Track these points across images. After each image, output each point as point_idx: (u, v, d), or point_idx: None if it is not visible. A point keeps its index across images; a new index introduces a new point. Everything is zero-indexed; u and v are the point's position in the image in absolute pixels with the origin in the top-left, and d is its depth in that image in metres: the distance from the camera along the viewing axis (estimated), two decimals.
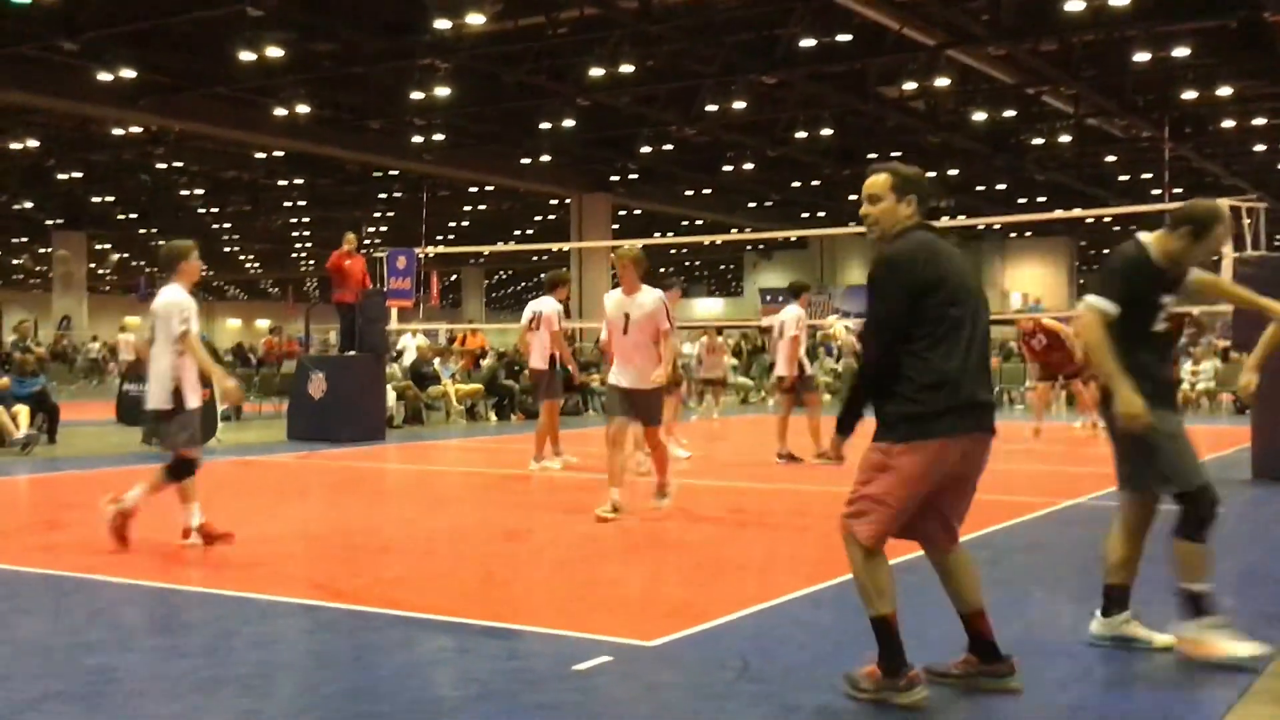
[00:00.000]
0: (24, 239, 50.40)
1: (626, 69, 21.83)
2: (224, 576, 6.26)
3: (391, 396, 17.09)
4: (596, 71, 22.18)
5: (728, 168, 33.97)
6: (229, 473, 12.31)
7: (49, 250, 46.13)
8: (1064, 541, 7.88)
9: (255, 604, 5.61)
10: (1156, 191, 32.34)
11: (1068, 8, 18.61)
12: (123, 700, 4.15)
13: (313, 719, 4.01)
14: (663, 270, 60.96)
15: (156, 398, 6.98)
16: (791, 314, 12.52)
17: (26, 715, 3.98)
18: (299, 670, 4.73)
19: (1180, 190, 30.14)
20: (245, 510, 8.76)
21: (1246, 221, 10.88)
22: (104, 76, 22.30)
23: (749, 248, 51.76)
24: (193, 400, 7.01)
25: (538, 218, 45.78)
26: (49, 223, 43.37)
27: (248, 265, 62.60)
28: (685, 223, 45.15)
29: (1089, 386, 15.89)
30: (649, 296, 8.37)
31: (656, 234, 42.78)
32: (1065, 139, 29.73)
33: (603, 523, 8.04)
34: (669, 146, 31.33)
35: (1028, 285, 46.54)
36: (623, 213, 41.50)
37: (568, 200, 37.83)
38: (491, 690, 4.23)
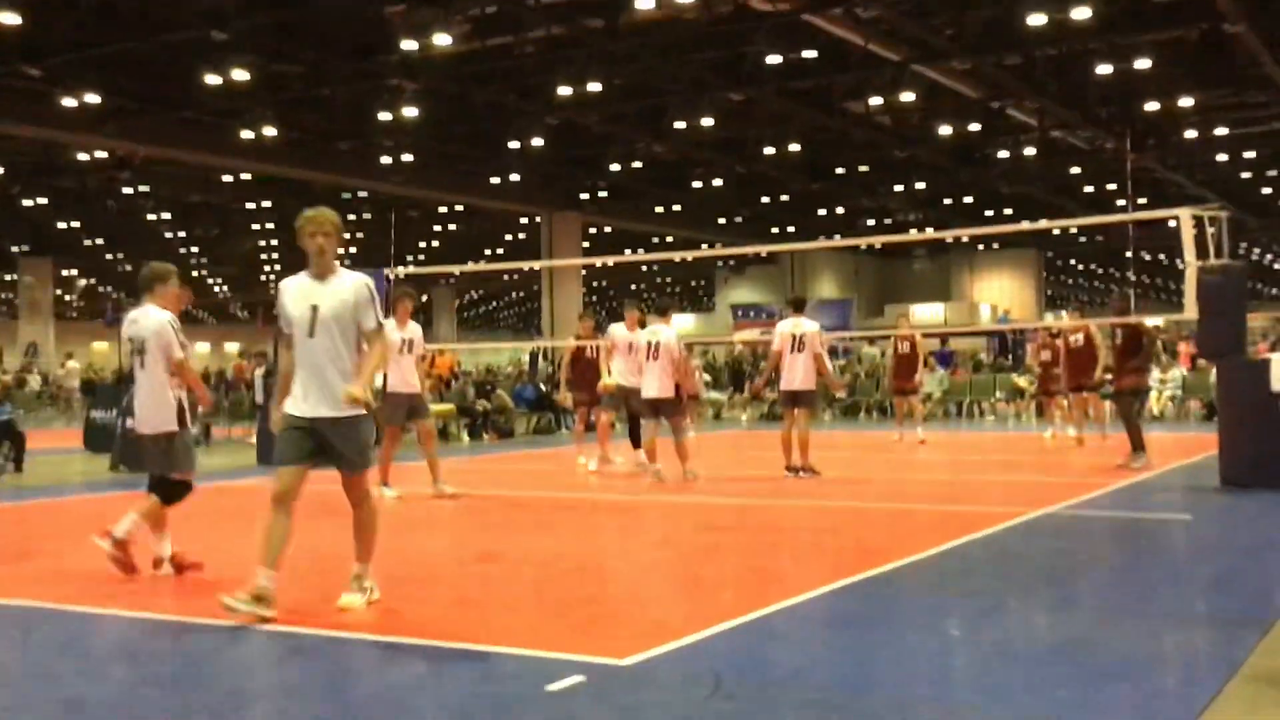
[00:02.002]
0: None
1: (594, 87, 21.90)
2: (194, 604, 6.19)
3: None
4: (565, 90, 22.23)
5: (697, 184, 34.08)
6: (199, 499, 12.18)
7: (14, 278, 45.73)
8: (1035, 551, 7.91)
9: (226, 631, 5.56)
10: (1121, 202, 32.66)
11: (1030, 22, 18.80)
12: None
13: None
14: (634, 287, 61.06)
15: (162, 420, 6.91)
16: (813, 328, 12.50)
17: None
18: (270, 698, 4.69)
19: (1144, 200, 30.48)
20: (216, 537, 8.68)
21: (1210, 231, 10.99)
22: (69, 101, 22.19)
23: (720, 264, 51.89)
24: (191, 421, 7.06)
25: (508, 236, 45.76)
26: (15, 249, 43.00)
27: (216, 289, 62.24)
28: (656, 239, 45.25)
29: (1091, 398, 15.99)
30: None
31: (627, 250, 42.83)
32: (1030, 152, 30.00)
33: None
34: (638, 164, 31.41)
35: (996, 297, 46.92)
36: (593, 230, 41.54)
37: (538, 219, 37.84)
38: (465, 714, 4.20)
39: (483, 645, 5.08)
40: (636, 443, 13.14)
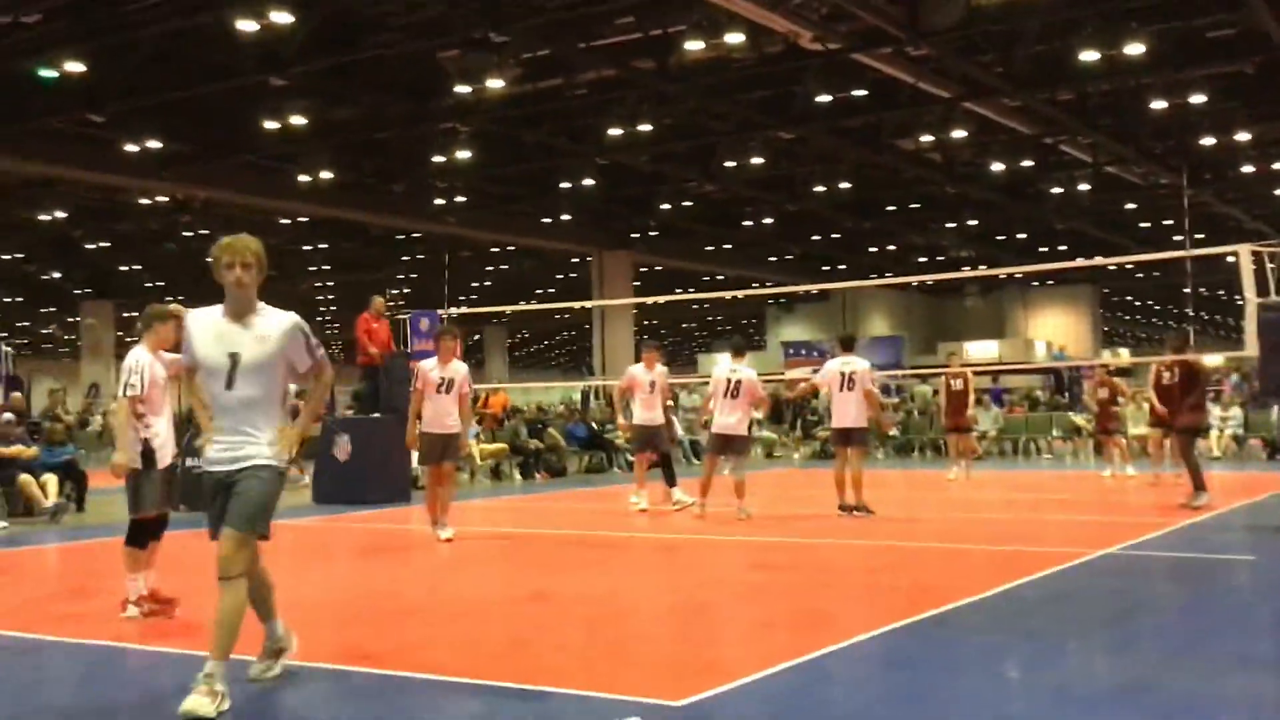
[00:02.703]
0: (52, 308, 50.99)
1: (645, 127, 22.07)
2: (251, 644, 6.24)
3: (416, 458, 17.13)
4: (615, 131, 22.41)
5: (748, 223, 34.12)
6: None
7: (77, 319, 46.64)
8: (1094, 592, 7.78)
9: (282, 670, 5.59)
10: (1178, 238, 32.26)
11: (1082, 58, 18.71)
12: None
13: None
14: (684, 325, 61.09)
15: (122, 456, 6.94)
16: (863, 366, 12.51)
17: None
18: None
19: (1201, 236, 30.07)
20: (273, 575, 8.76)
21: (1270, 266, 10.83)
22: (130, 147, 22.69)
23: (771, 301, 51.82)
24: (163, 459, 6.99)
25: (559, 276, 46.04)
26: (76, 292, 43.89)
27: None
28: (706, 278, 45.32)
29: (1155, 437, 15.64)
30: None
31: (678, 290, 42.86)
32: (1084, 187, 29.75)
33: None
34: (689, 203, 31.52)
35: (1051, 334, 46.38)
36: (644, 269, 41.69)
37: (589, 258, 38.05)
38: None
39: (536, 685, 5.08)
40: (671, 480, 13.33)
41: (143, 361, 6.94)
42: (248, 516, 4.88)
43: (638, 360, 14.44)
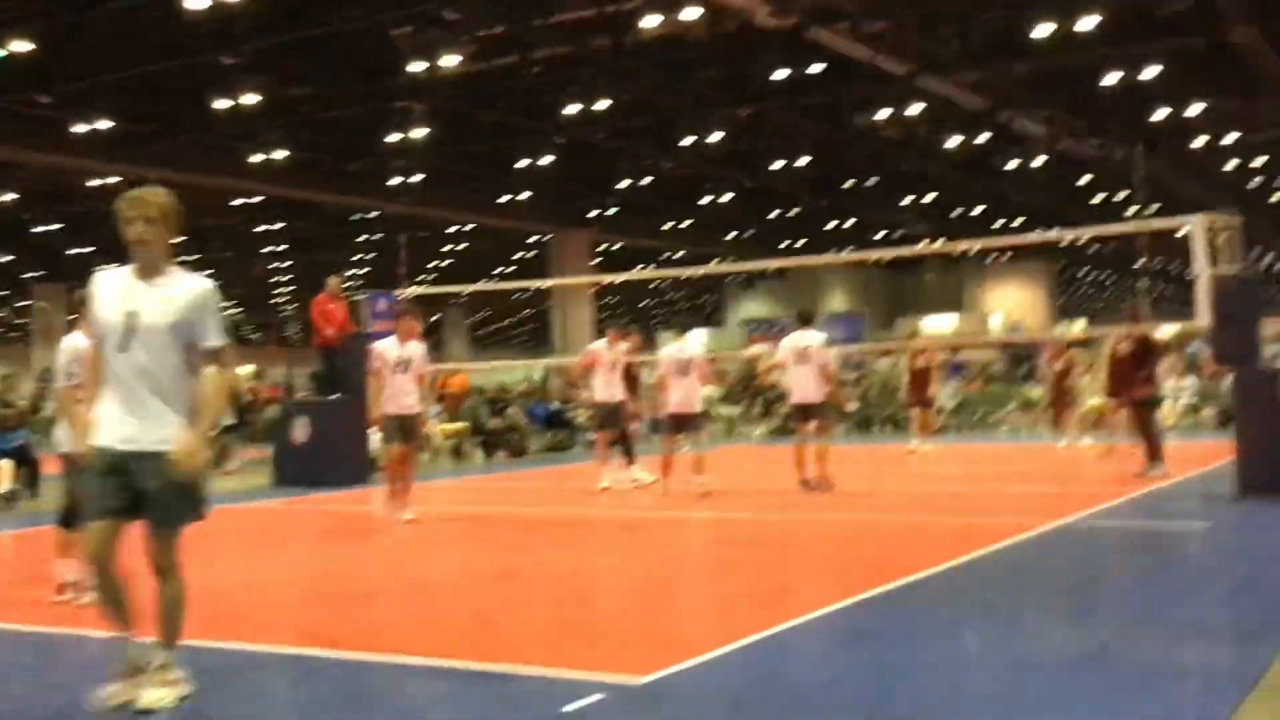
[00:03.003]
0: (4, 292, 50.19)
1: (601, 105, 21.95)
2: (209, 627, 6.18)
3: (375, 439, 17.04)
4: (572, 109, 22.29)
5: (706, 200, 34.10)
6: (213, 521, 12.21)
7: (29, 303, 45.97)
8: (1052, 563, 7.87)
9: (242, 654, 5.56)
10: (1131, 211, 32.57)
11: (1035, 34, 18.80)
12: None
13: None
14: (644, 304, 61.09)
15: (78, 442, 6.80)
16: (818, 340, 12.54)
17: None
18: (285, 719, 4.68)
19: (1155, 209, 30.39)
20: (230, 558, 8.69)
21: (1222, 238, 10.97)
22: (80, 128, 22.31)
23: (729, 279, 51.90)
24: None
25: (518, 255, 45.85)
26: (27, 275, 43.22)
27: (228, 312, 62.46)
28: (666, 256, 45.28)
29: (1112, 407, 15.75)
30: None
31: (638, 267, 42.78)
32: (1039, 162, 29.95)
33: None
34: (647, 180, 31.45)
35: (1008, 308, 46.81)
36: (603, 248, 41.59)
37: (548, 237, 37.91)
38: None
39: (500, 664, 5.07)
40: (630, 458, 13.41)
41: (82, 348, 6.78)
42: (176, 514, 4.50)
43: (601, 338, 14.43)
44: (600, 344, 13.62)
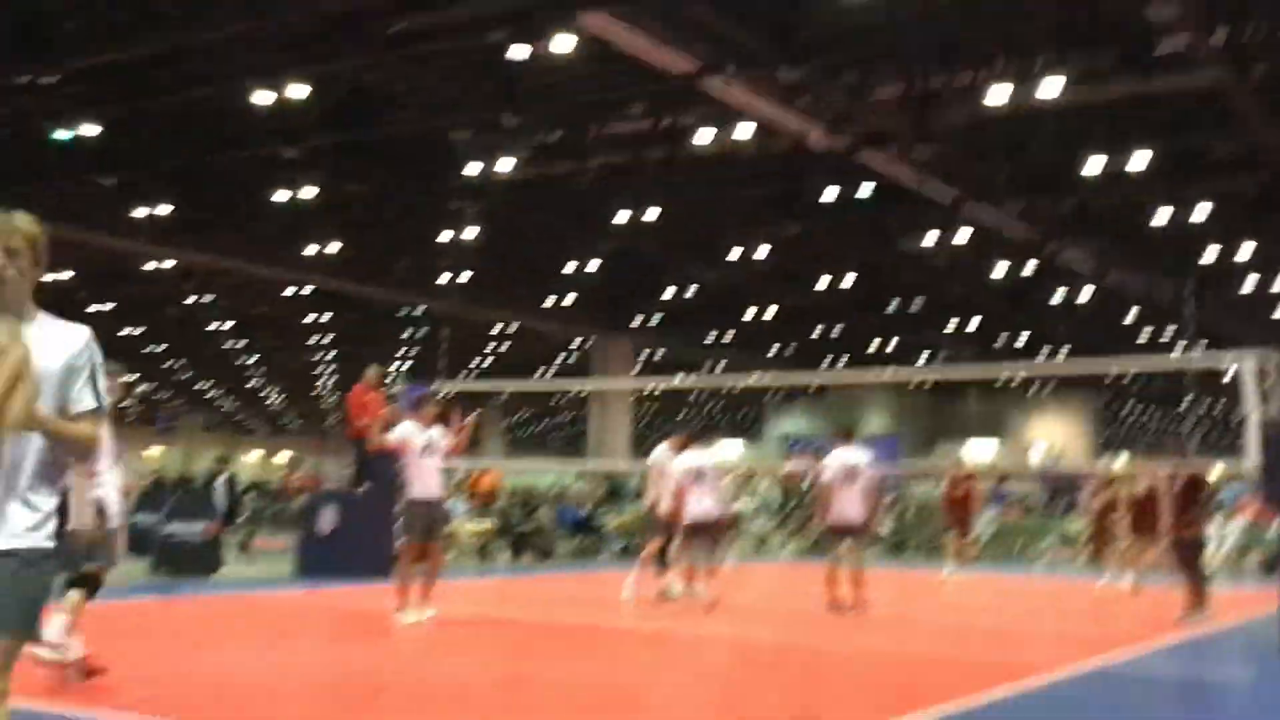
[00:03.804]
0: None
1: (651, 215, 22.20)
2: (210, 715, 6.05)
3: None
4: (622, 217, 22.54)
5: (749, 314, 34.19)
6: (228, 607, 12.12)
7: None
8: (1091, 708, 7.56)
9: None
10: (1179, 348, 32.26)
11: (1086, 170, 18.85)
12: None
13: None
14: (682, 415, 60.98)
15: (81, 517, 6.75)
16: (865, 458, 12.38)
17: None
18: None
19: (1204, 347, 30.07)
20: (241, 646, 8.55)
21: (1271, 380, 10.78)
22: (139, 212, 22.81)
23: (770, 394, 51.77)
24: (113, 516, 6.81)
25: (560, 359, 46.04)
26: None
27: (271, 400, 62.97)
28: (707, 368, 45.30)
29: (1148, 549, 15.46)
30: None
31: (679, 377, 42.78)
32: (1085, 296, 29.83)
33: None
34: (692, 291, 31.61)
35: (1051, 436, 46.32)
36: (644, 358, 41.69)
37: (590, 342, 38.07)
38: None
39: None
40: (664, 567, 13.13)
41: None
42: (22, 616, 3.17)
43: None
44: (661, 450, 13.33)
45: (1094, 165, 18.71)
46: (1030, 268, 27.02)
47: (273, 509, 23.55)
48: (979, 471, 22.34)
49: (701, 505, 12.08)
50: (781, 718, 6.66)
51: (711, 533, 12.31)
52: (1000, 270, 26.51)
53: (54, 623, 6.65)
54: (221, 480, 18.35)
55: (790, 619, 11.88)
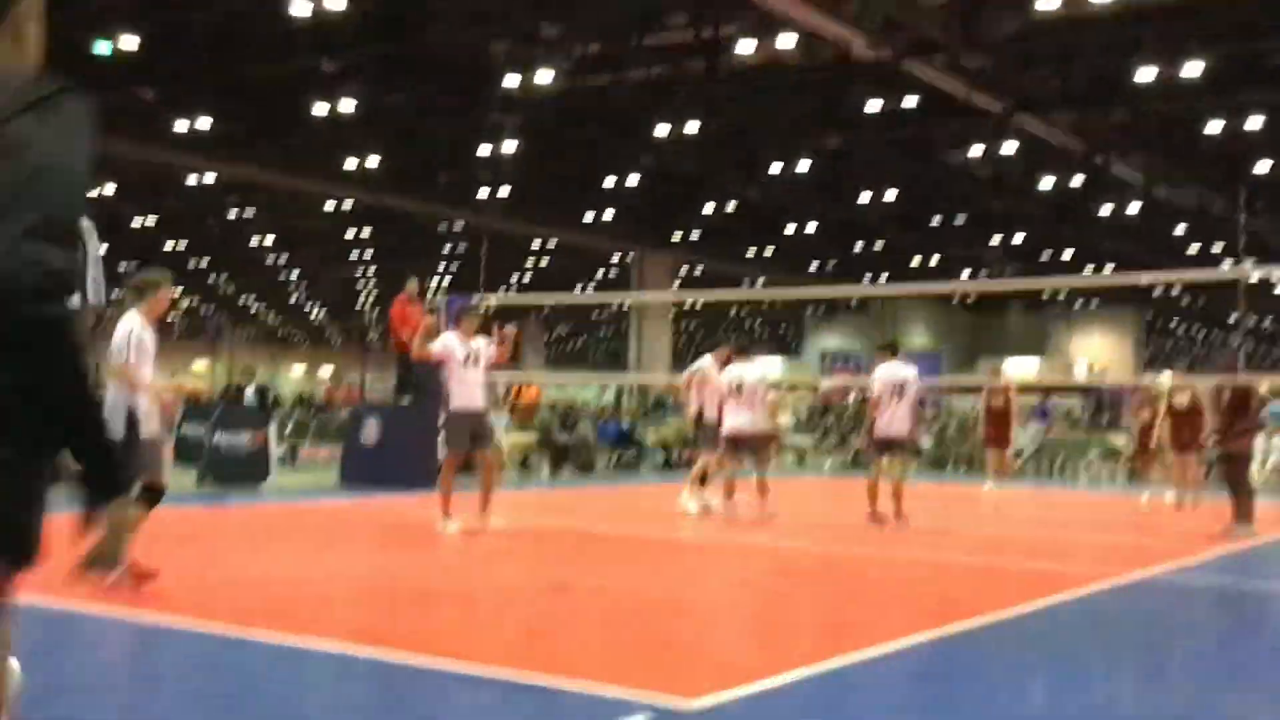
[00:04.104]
0: None
1: (691, 128, 21.94)
2: (259, 620, 6.17)
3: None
4: (661, 130, 22.30)
5: (790, 229, 33.91)
6: (277, 516, 12.32)
7: (122, 295, 47.07)
8: (1129, 617, 7.56)
9: (288, 649, 5.51)
10: (1228, 263, 31.71)
11: (1138, 79, 18.40)
12: None
13: None
14: (722, 330, 60.89)
15: (115, 427, 6.82)
16: (913, 372, 12.40)
17: None
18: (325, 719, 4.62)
19: (1252, 262, 29.53)
20: (285, 554, 8.70)
21: None
22: (180, 125, 22.82)
23: (809, 309, 51.50)
24: (149, 429, 6.81)
25: (599, 275, 45.98)
26: (121, 269, 44.29)
27: (313, 314, 63.45)
28: (747, 283, 45.11)
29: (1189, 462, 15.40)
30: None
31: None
32: (1134, 209, 29.31)
33: None
34: (732, 206, 31.36)
35: (1094, 354, 45.84)
36: (684, 273, 41.54)
37: (629, 258, 37.95)
38: None
39: (546, 677, 4.95)
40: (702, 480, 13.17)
41: (138, 330, 6.85)
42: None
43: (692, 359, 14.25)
44: (706, 361, 13.33)
45: (1146, 74, 18.27)
46: (1078, 181, 26.55)
47: (318, 420, 23.82)
48: (1021, 385, 22.16)
49: (740, 417, 12.14)
50: (819, 627, 6.71)
51: (752, 446, 12.36)
52: (1047, 184, 26.06)
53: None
54: (251, 390, 18.56)
55: (830, 532, 11.93)
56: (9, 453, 1.89)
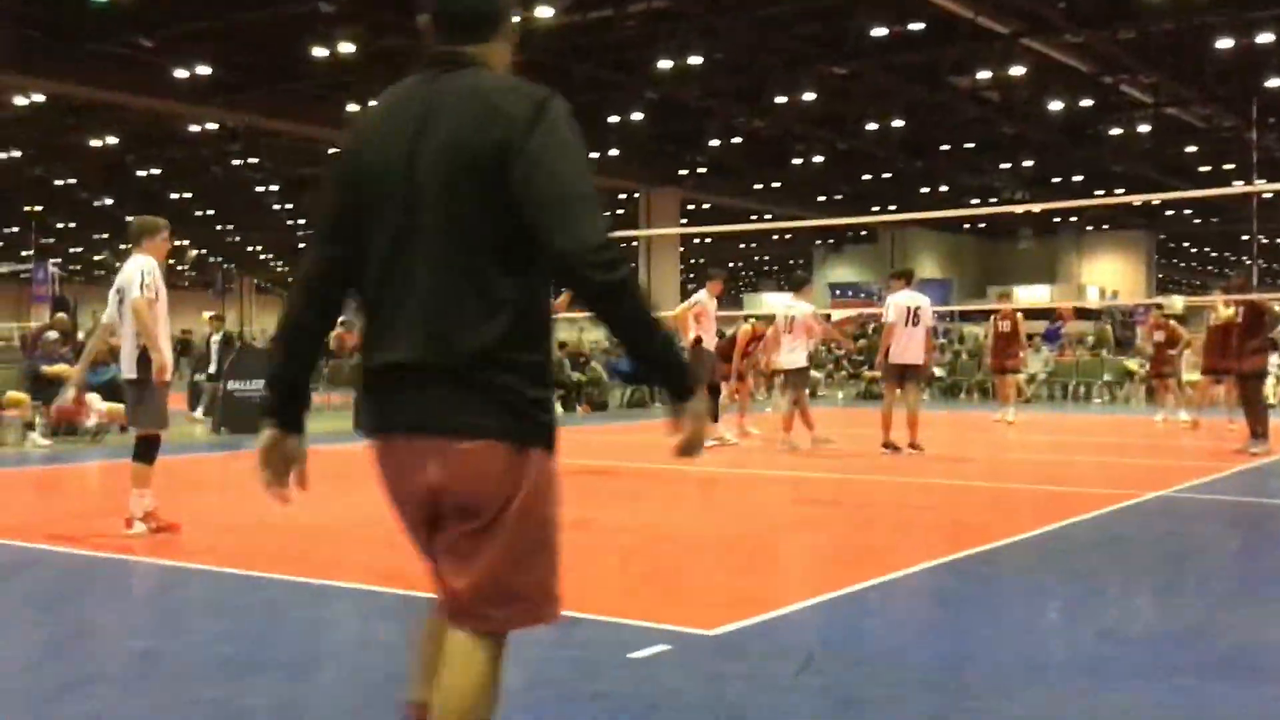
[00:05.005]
0: (104, 235, 51.45)
1: (694, 61, 21.69)
2: (279, 561, 6.22)
3: None
4: (664, 64, 22.04)
5: (797, 160, 33.65)
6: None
7: (128, 246, 47.07)
8: (1144, 535, 7.58)
9: (308, 588, 5.56)
10: (1239, 183, 31.43)
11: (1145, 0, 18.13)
12: (162, 684, 4.10)
13: (354, 705, 3.92)
14: (731, 264, 60.68)
15: (128, 367, 6.79)
16: (926, 301, 12.52)
17: (66, 698, 3.93)
18: (346, 656, 4.66)
19: (1264, 181, 29.27)
20: (306, 497, 8.73)
21: None
22: (180, 73, 22.64)
23: (818, 241, 51.26)
24: (163, 374, 6.76)
25: (606, 212, 45.75)
26: (129, 219, 44.23)
27: None
28: (754, 217, 44.87)
29: (1204, 381, 15.17)
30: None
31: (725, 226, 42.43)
32: (1144, 129, 29.00)
33: None
34: (738, 140, 31.10)
35: (1105, 280, 45.62)
36: (691, 207, 41.33)
37: (636, 194, 37.74)
38: (546, 678, 4.10)
39: (569, 611, 4.96)
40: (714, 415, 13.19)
41: (150, 267, 6.85)
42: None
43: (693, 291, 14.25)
44: (702, 295, 13.31)
45: None
46: (1087, 103, 26.26)
47: (331, 366, 23.85)
48: (1025, 305, 22.04)
49: (796, 353, 12.51)
50: (835, 555, 6.73)
51: (804, 380, 12.78)
52: (1056, 106, 25.77)
53: (133, 499, 6.81)
54: (216, 339, 18.52)
55: (844, 460, 11.94)
56: None
